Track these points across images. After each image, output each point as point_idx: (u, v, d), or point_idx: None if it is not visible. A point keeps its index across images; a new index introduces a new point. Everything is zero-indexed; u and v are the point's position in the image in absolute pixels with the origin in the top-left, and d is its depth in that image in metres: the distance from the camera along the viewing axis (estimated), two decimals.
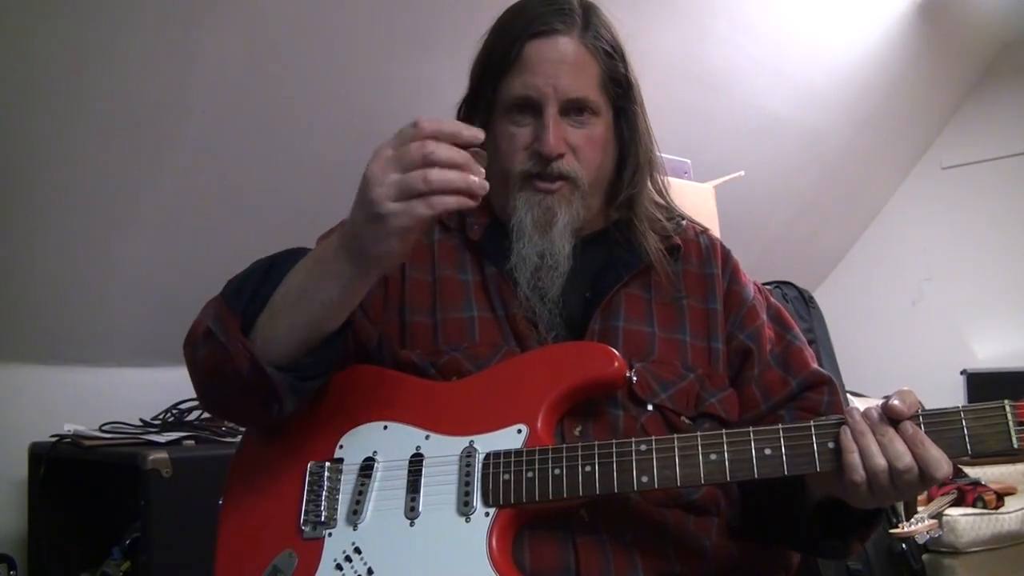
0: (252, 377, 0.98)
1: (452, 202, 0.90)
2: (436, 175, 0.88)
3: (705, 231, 1.26)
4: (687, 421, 1.09)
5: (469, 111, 1.19)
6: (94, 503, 2.18)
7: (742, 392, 1.15)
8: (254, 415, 1.08)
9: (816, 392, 1.15)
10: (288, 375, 1.00)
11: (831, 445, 0.93)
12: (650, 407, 1.08)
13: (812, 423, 0.94)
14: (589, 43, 1.13)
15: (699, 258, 1.21)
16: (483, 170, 0.92)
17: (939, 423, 0.91)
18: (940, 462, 0.89)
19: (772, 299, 1.23)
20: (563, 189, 1.12)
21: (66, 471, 2.10)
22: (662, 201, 1.23)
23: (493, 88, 1.14)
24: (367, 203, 0.90)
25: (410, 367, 1.11)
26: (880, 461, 0.89)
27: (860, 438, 0.91)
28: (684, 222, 1.24)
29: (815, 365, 1.18)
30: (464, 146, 0.91)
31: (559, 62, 1.11)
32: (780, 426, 0.95)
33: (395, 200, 0.89)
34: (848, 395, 2.38)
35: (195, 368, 1.06)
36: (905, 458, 0.89)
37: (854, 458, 0.90)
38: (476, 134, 0.92)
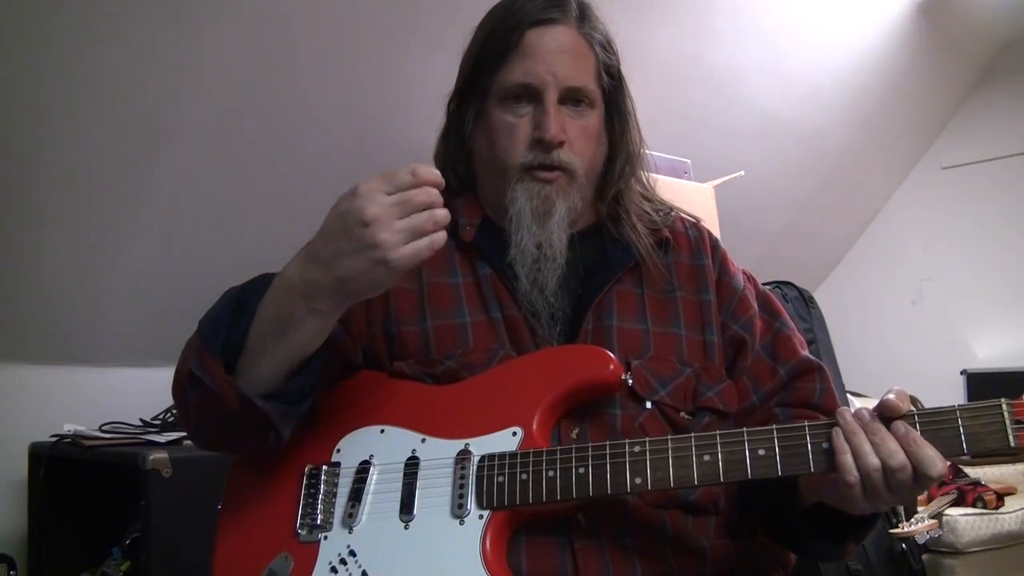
0: (243, 412, 0.99)
1: (444, 237, 0.94)
2: (440, 215, 0.93)
3: (695, 223, 1.26)
4: (686, 416, 1.09)
5: (462, 103, 1.19)
6: (94, 503, 2.18)
7: (737, 383, 1.14)
8: (251, 447, 1.09)
9: (806, 381, 1.14)
10: (277, 403, 1.00)
11: (825, 446, 0.92)
12: (649, 404, 1.08)
13: (806, 424, 0.94)
14: (586, 34, 1.15)
15: (689, 250, 1.21)
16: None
17: (935, 422, 0.90)
18: (934, 460, 0.88)
19: (760, 286, 1.23)
20: (561, 179, 1.12)
21: (66, 471, 2.10)
22: (649, 195, 1.24)
23: (489, 76, 1.14)
24: (371, 247, 0.91)
25: (404, 378, 1.11)
26: (873, 460, 0.89)
27: (852, 438, 0.90)
28: (672, 214, 1.24)
29: (804, 352, 1.17)
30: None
31: (559, 51, 1.12)
32: (774, 427, 0.94)
33: (405, 243, 0.91)
34: (848, 395, 2.37)
35: (187, 411, 1.07)
36: (898, 456, 0.88)
37: (847, 459, 0.90)
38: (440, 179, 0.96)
